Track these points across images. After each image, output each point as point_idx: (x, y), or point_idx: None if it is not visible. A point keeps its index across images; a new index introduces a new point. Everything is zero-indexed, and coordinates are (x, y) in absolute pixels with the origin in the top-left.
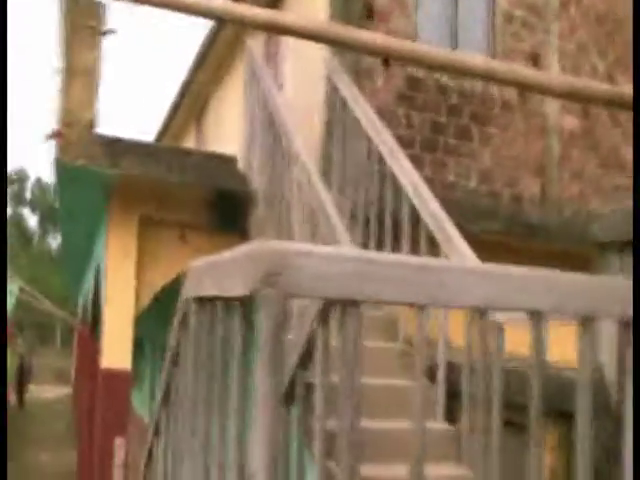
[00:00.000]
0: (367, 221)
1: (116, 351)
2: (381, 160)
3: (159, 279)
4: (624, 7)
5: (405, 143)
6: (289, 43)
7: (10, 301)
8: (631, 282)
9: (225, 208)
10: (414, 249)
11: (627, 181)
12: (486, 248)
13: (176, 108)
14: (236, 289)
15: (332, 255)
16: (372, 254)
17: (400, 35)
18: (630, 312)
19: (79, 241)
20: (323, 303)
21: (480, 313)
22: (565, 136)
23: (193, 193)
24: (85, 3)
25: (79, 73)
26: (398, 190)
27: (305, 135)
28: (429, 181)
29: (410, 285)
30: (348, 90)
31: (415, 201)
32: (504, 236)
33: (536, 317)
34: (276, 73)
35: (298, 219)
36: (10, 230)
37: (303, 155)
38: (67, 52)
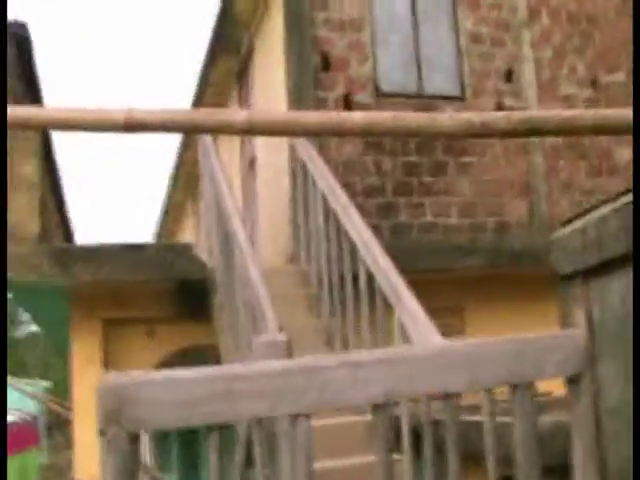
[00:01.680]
0: (331, 283)
1: (88, 463)
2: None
3: None
4: (595, 2)
5: (377, 190)
6: (258, 103)
7: (35, 404)
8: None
9: (188, 297)
10: (373, 309)
11: (620, 186)
12: (470, 284)
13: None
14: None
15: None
16: (236, 368)
17: (361, 80)
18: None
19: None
20: None
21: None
22: (548, 149)
23: (152, 287)
24: None
25: (22, 186)
26: (354, 248)
27: (275, 202)
28: (407, 226)
29: (289, 394)
30: (305, 151)
31: (367, 259)
32: (489, 268)
33: (451, 397)
34: (250, 139)
35: (241, 306)
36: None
37: (239, 236)
38: (9, 166)
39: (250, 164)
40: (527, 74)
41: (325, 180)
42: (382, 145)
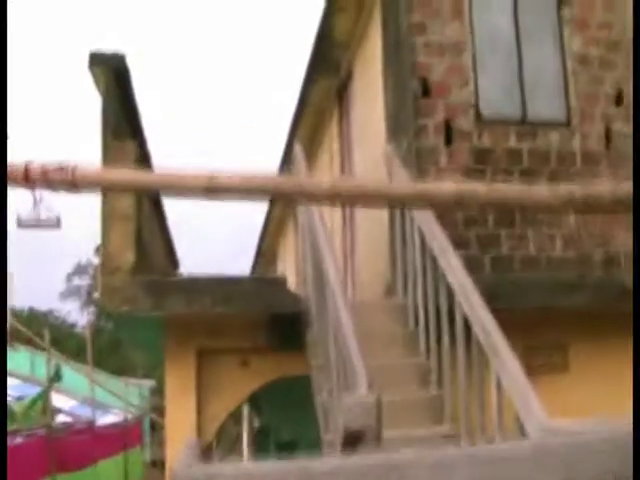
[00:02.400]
0: (427, 320)
1: None
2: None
3: (222, 410)
4: None
5: (478, 221)
6: (356, 127)
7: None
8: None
9: (281, 328)
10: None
11: None
12: (575, 320)
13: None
14: None
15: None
16: (311, 465)
17: (462, 106)
18: None
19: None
20: None
21: None
22: None
23: (246, 319)
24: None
25: (117, 218)
26: (450, 292)
27: (373, 229)
28: (508, 259)
29: None
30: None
31: (464, 305)
32: (596, 305)
33: None
34: (349, 156)
35: (332, 349)
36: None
37: (333, 282)
38: (104, 198)
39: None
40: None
41: (426, 224)
42: (484, 172)
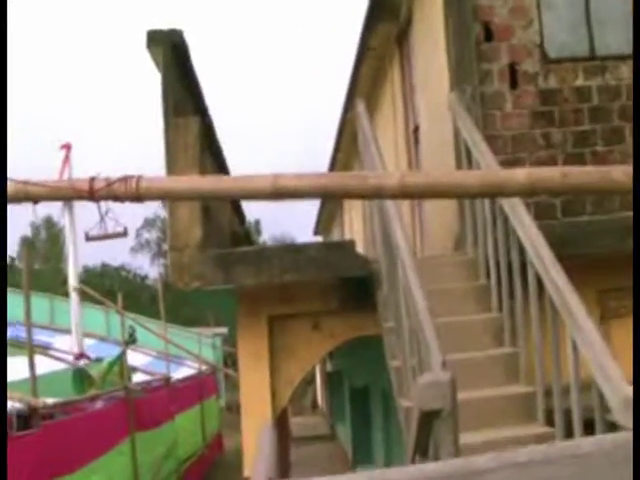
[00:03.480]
0: (499, 274)
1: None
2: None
3: (297, 373)
4: None
5: (547, 164)
6: (418, 74)
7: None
8: None
9: (352, 291)
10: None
11: None
12: None
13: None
14: None
15: None
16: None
17: (526, 48)
18: None
19: None
20: None
21: None
22: None
23: (316, 284)
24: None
25: None
26: (522, 250)
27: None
28: (579, 203)
29: None
30: (468, 133)
31: (536, 263)
32: None
33: None
34: (412, 104)
35: (404, 317)
36: None
37: (400, 243)
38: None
39: (414, 133)
40: None
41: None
42: (552, 115)
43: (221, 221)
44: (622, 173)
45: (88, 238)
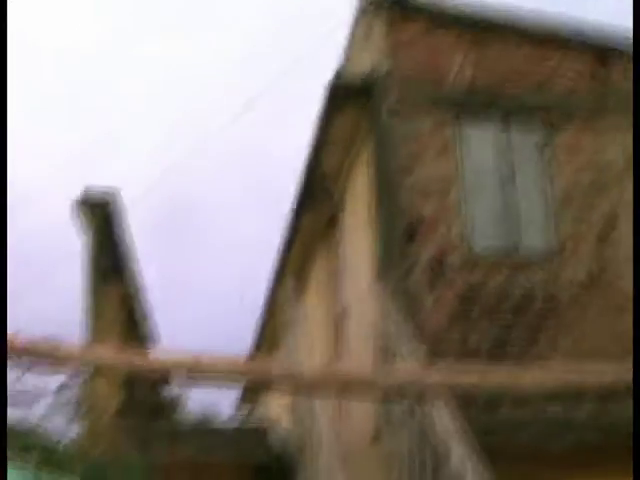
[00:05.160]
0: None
1: None
2: None
3: None
4: None
5: (467, 359)
6: (346, 260)
7: None
8: None
9: (265, 477)
10: None
11: None
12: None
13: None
14: None
15: None
16: None
17: (452, 243)
18: None
19: None
20: None
21: None
22: None
23: (229, 467)
24: None
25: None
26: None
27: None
28: (499, 395)
29: None
30: (390, 323)
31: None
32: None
33: None
34: (339, 289)
35: None
36: None
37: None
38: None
39: (341, 316)
40: (628, 225)
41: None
42: (474, 310)
43: (143, 388)
44: (532, 377)
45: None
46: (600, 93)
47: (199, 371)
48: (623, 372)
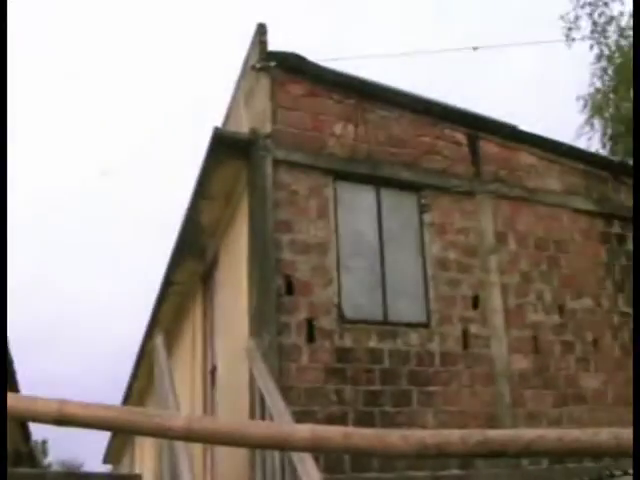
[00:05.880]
0: None
1: None
2: None
3: None
4: (562, 227)
5: (338, 419)
6: (219, 315)
7: None
8: None
9: None
10: None
11: (587, 414)
12: None
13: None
14: None
15: None
16: None
17: (325, 305)
18: None
19: None
20: None
21: None
22: (516, 377)
23: None
24: None
25: None
26: None
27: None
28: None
29: None
30: (262, 381)
31: None
32: None
33: None
34: (211, 345)
35: None
36: None
37: None
38: None
39: (211, 373)
40: (494, 300)
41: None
42: (345, 372)
43: (7, 435)
44: (400, 437)
45: None
46: (476, 165)
47: (66, 416)
48: (485, 437)
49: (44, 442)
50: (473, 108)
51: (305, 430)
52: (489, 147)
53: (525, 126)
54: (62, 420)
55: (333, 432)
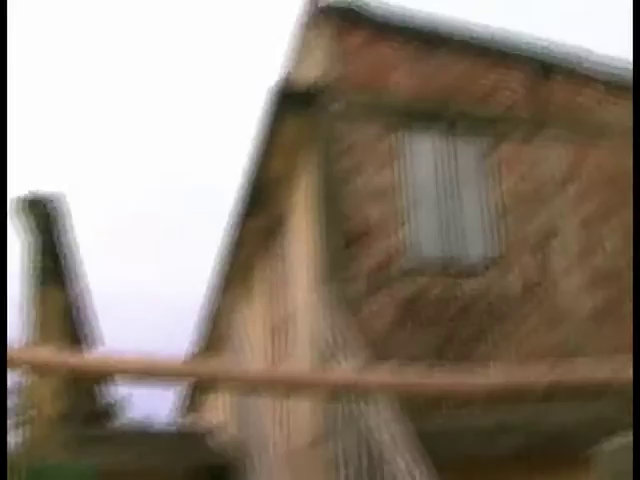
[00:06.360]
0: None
1: None
2: None
3: None
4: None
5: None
6: (288, 267)
7: None
8: None
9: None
10: None
11: None
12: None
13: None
14: None
15: None
16: None
17: (396, 250)
18: None
19: None
20: None
21: None
22: (591, 312)
23: (169, 472)
24: None
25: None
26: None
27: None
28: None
29: None
30: (333, 329)
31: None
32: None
33: None
34: (282, 296)
35: None
36: None
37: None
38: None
39: (284, 322)
40: (568, 236)
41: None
42: (417, 314)
43: (87, 394)
44: (479, 379)
45: None
46: (540, 106)
47: (142, 372)
48: (565, 373)
49: (128, 396)
50: (542, 40)
51: (379, 375)
52: (554, 84)
53: (593, 57)
54: (138, 376)
55: (408, 376)
